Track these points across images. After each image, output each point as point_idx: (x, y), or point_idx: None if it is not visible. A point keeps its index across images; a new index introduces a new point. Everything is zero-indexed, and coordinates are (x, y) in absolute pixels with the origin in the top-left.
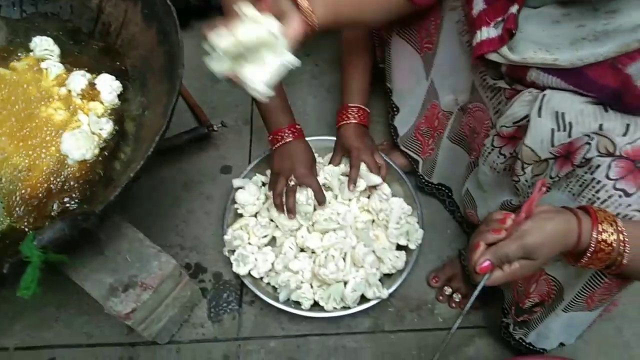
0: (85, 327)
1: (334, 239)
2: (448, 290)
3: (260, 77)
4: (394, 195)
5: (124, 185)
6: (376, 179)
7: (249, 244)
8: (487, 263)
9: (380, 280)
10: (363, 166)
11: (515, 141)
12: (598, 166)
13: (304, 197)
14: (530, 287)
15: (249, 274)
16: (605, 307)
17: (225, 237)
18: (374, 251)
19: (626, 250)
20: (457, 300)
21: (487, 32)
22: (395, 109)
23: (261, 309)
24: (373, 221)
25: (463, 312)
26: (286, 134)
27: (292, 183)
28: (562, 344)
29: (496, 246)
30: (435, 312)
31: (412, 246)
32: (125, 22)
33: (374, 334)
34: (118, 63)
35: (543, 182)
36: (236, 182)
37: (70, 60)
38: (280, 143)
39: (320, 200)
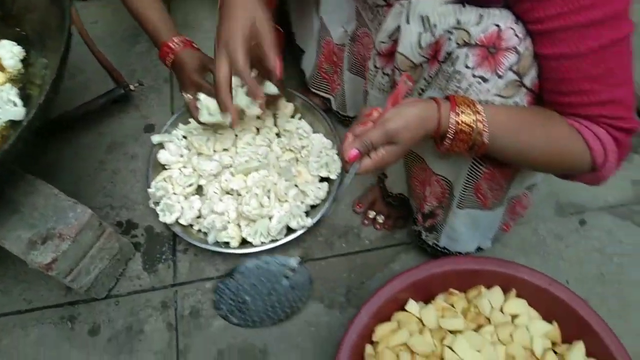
0: (23, 294)
1: (256, 178)
2: (371, 213)
3: None
4: (315, 132)
5: (17, 134)
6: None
7: (174, 194)
8: (354, 152)
9: (307, 213)
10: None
11: (394, 58)
12: (457, 57)
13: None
14: (425, 190)
15: (177, 223)
16: (509, 206)
17: (149, 190)
18: (297, 185)
19: (485, 129)
20: (381, 221)
21: None
22: (301, 52)
23: (195, 254)
24: (297, 160)
25: (345, 182)
26: (175, 44)
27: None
28: (480, 249)
29: (362, 134)
30: (362, 236)
31: (332, 176)
32: None
33: (305, 263)
34: (18, 29)
35: (407, 75)
36: (155, 138)
37: None
38: (171, 56)
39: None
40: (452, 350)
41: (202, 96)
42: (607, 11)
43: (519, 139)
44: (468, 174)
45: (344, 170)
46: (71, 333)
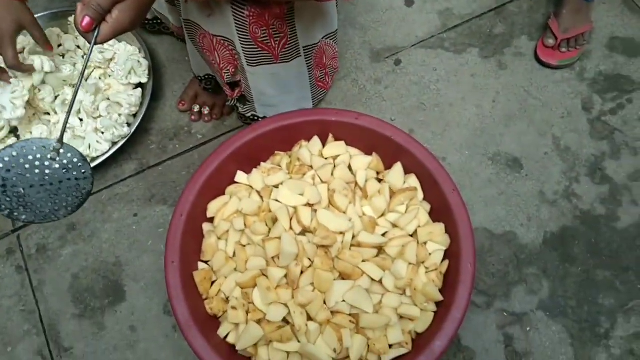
0: None
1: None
2: (196, 107)
3: None
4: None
5: None
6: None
7: None
8: (87, 19)
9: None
10: None
11: None
12: None
13: None
14: (216, 57)
15: None
16: (314, 59)
17: None
18: (108, 98)
19: None
20: (207, 113)
21: None
22: None
23: None
24: (108, 75)
25: (89, 54)
26: None
27: None
28: None
29: (89, 1)
30: (193, 132)
31: (143, 80)
32: None
33: (142, 173)
34: None
35: None
36: None
37: None
38: None
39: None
40: (278, 202)
41: None
42: None
43: None
44: (235, 23)
45: (85, 40)
46: None
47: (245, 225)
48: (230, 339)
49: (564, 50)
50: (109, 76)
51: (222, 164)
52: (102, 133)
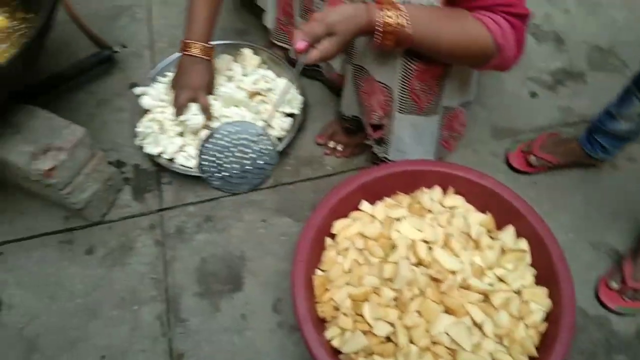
0: (25, 223)
1: (229, 113)
2: (332, 144)
3: None
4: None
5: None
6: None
7: (163, 132)
8: (302, 43)
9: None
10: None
11: None
12: None
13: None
14: (372, 100)
15: (160, 156)
16: (445, 120)
17: (137, 129)
18: (264, 120)
19: (407, 22)
20: (340, 149)
21: None
22: (262, 11)
23: (179, 185)
24: (264, 102)
25: (298, 68)
26: (194, 47)
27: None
28: None
29: (307, 29)
30: (325, 164)
31: (295, 111)
32: None
33: (276, 187)
34: None
35: None
36: (137, 90)
37: None
38: (186, 53)
39: (207, 117)
40: (398, 232)
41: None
42: None
43: (436, 30)
44: (402, 73)
45: (295, 57)
46: (70, 254)
47: (364, 246)
48: (334, 343)
49: (627, 300)
50: (267, 103)
51: (351, 192)
52: None
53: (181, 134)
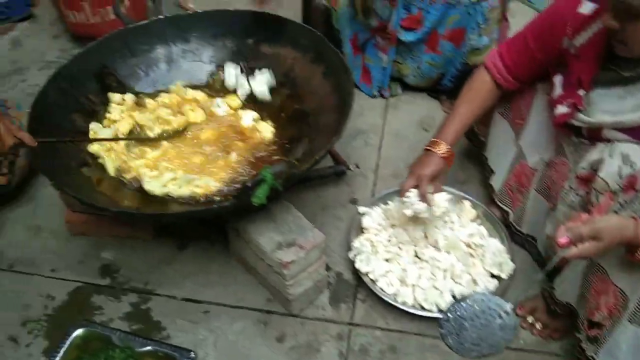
0: (237, 293)
1: (439, 256)
2: (530, 318)
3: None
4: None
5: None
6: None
7: (373, 253)
8: (566, 239)
9: None
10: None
11: (588, 183)
12: None
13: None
14: (600, 299)
15: (367, 275)
16: None
17: (353, 244)
18: (469, 273)
19: None
20: (539, 328)
21: (562, 108)
22: (491, 172)
23: (371, 305)
24: (472, 256)
25: (554, 260)
26: (440, 148)
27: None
28: None
29: (573, 228)
30: (519, 335)
31: (504, 276)
32: (309, 78)
33: None
34: (297, 106)
35: (610, 195)
36: (361, 209)
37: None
38: (429, 149)
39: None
40: None
41: (413, 197)
42: None
43: None
44: None
45: (553, 253)
46: (264, 333)
47: None
48: None
49: None
50: (474, 257)
51: None
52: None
53: (388, 260)
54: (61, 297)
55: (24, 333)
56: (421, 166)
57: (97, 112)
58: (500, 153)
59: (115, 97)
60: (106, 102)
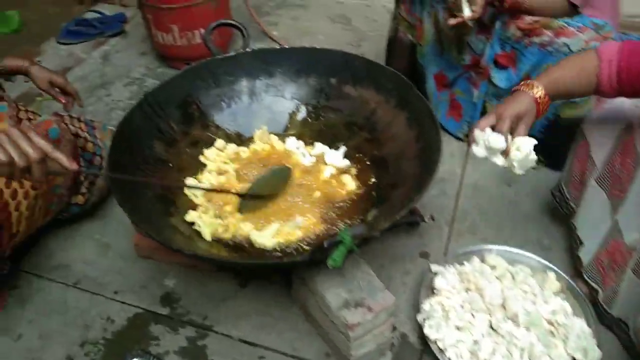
0: (294, 341)
1: (517, 332)
2: None
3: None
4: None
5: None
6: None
7: (444, 318)
8: None
9: None
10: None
11: None
12: None
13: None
14: None
15: (435, 342)
16: None
17: (423, 305)
18: (549, 356)
19: None
20: None
21: None
22: (580, 242)
23: None
24: (553, 334)
25: None
26: (534, 90)
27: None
28: None
29: None
30: None
31: None
32: (391, 123)
33: None
34: (376, 152)
35: None
36: (434, 267)
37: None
38: (521, 88)
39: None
40: None
41: (488, 130)
42: None
43: None
44: None
45: None
46: None
47: None
48: None
49: None
50: (556, 337)
51: None
52: None
53: (459, 328)
54: (121, 321)
55: (81, 354)
56: (505, 105)
57: (177, 142)
58: (593, 224)
59: (218, 142)
60: (187, 132)
